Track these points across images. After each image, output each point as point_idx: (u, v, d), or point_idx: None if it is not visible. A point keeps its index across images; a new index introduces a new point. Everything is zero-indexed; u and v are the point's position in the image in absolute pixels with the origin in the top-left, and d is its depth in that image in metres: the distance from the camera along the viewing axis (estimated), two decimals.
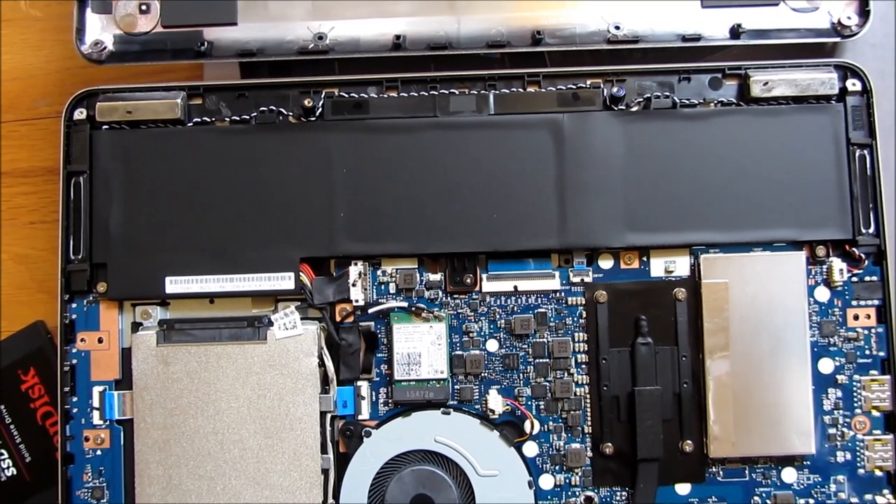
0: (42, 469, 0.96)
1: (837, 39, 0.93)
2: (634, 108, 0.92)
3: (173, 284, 0.90)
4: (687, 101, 0.92)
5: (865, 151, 0.91)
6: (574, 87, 0.92)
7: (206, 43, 0.94)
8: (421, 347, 0.90)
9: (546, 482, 0.90)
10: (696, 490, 0.90)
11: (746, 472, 0.90)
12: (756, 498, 0.90)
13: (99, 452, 0.91)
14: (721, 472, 0.90)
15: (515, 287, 0.91)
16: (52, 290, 0.93)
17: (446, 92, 0.92)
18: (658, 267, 0.91)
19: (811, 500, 0.90)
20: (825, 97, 0.92)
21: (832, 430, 0.90)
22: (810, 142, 0.91)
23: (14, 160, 1.04)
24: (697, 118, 0.91)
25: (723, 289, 0.89)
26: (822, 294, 0.91)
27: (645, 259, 0.91)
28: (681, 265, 0.91)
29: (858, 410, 0.90)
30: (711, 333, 0.89)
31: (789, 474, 0.90)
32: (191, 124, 0.93)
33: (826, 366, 0.90)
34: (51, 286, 0.95)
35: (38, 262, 1.03)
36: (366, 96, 0.93)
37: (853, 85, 0.92)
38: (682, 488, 0.90)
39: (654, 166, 0.90)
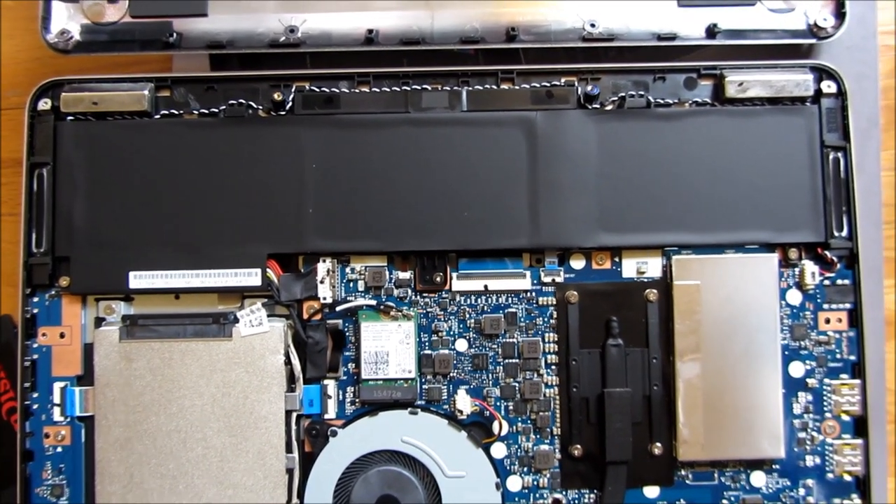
0: (7, 466, 0.94)
1: (813, 41, 0.93)
2: (609, 107, 0.91)
3: (137, 279, 0.88)
4: (662, 101, 0.92)
5: (839, 154, 0.90)
6: (548, 84, 0.91)
7: (175, 34, 0.92)
8: (389, 346, 0.88)
9: (514, 484, 0.89)
10: (665, 493, 0.89)
11: (716, 475, 0.90)
12: (725, 501, 0.90)
13: (59, 449, 0.89)
14: (690, 476, 0.90)
15: (486, 286, 0.90)
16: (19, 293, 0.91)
17: (419, 88, 0.91)
18: (630, 268, 0.91)
19: None
20: (800, 99, 0.91)
21: (802, 434, 0.90)
22: (785, 143, 0.90)
23: None
24: (672, 118, 0.90)
25: (695, 290, 0.89)
26: (794, 297, 0.90)
27: (617, 260, 0.91)
28: (653, 266, 0.90)
29: (828, 414, 0.90)
30: (682, 335, 0.88)
31: (758, 478, 0.89)
32: (158, 117, 0.91)
33: (797, 369, 0.90)
34: (18, 280, 0.93)
35: (4, 254, 1.01)
36: (337, 91, 0.91)
37: (828, 87, 0.91)
38: (651, 491, 0.89)
39: (628, 166, 0.89)
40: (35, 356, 0.90)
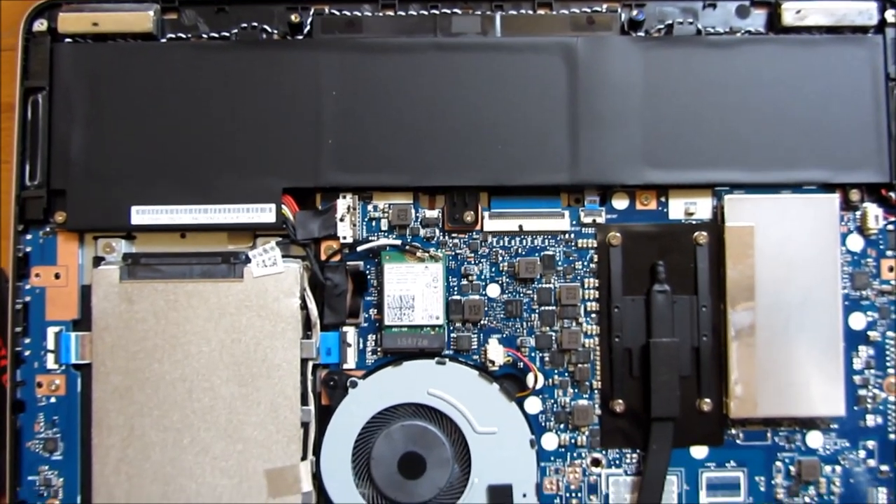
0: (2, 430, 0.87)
1: None
2: (655, 35, 0.84)
3: (140, 215, 0.81)
4: (712, 30, 0.84)
5: None
6: (589, 10, 0.84)
7: None
8: (415, 290, 0.81)
9: (549, 442, 0.82)
10: (714, 454, 0.82)
11: (769, 434, 0.83)
12: (778, 463, 0.82)
13: (53, 400, 0.82)
14: (741, 435, 0.82)
15: (520, 226, 0.83)
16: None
17: (448, 11, 0.84)
18: (677, 208, 0.83)
19: (838, 467, 0.82)
20: (862, 28, 0.84)
21: (862, 392, 0.83)
22: (845, 76, 0.83)
23: None
24: (723, 47, 0.83)
25: (748, 233, 0.81)
26: (856, 242, 0.83)
27: (663, 199, 0.83)
28: (702, 207, 0.83)
29: (892, 371, 0.82)
30: (735, 282, 0.81)
31: (815, 438, 0.82)
32: (164, 40, 0.84)
33: (857, 321, 0.83)
34: (10, 215, 0.85)
35: (4, 204, 0.93)
36: (359, 14, 0.84)
37: (893, 16, 0.84)
38: (699, 451, 0.82)
39: (676, 98, 0.82)
40: (27, 298, 0.83)
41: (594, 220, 0.83)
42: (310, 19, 0.84)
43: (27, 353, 0.82)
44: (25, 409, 0.82)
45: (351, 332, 0.82)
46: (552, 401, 0.82)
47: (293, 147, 0.81)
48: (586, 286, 0.83)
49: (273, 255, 0.81)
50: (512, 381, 0.82)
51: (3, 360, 0.89)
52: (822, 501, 0.82)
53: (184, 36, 0.84)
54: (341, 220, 0.82)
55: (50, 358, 0.82)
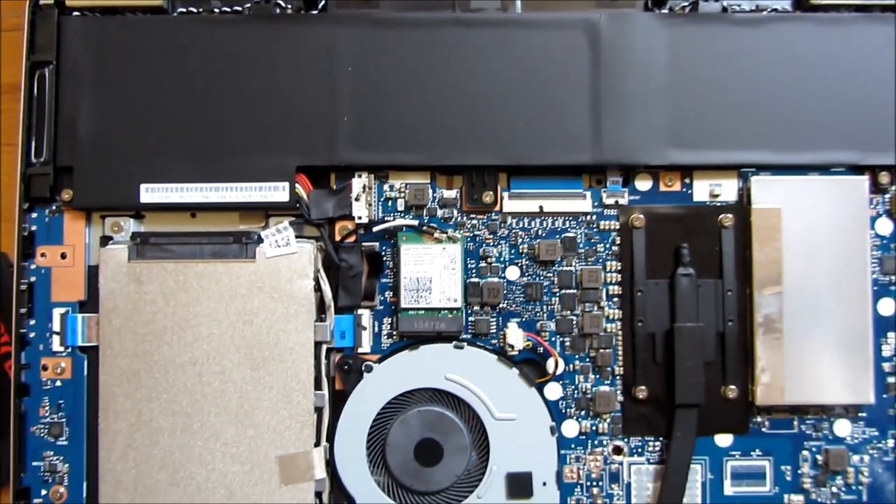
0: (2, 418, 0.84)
1: None
2: (679, 11, 0.82)
3: (149, 193, 0.79)
4: (738, 7, 0.82)
5: None
6: None
7: None
8: (432, 272, 0.79)
9: (570, 429, 0.80)
10: (739, 442, 0.80)
11: (795, 423, 0.80)
12: (805, 452, 0.80)
13: (58, 383, 0.80)
14: (767, 423, 0.80)
15: (541, 207, 0.80)
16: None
17: None
18: (702, 190, 0.81)
19: (866, 457, 0.80)
20: (892, 7, 0.81)
21: (891, 379, 0.80)
22: (874, 55, 0.81)
23: None
24: (749, 25, 0.81)
25: (775, 216, 0.79)
26: (885, 226, 0.81)
27: (688, 181, 0.81)
28: (727, 188, 0.81)
29: None
30: (761, 266, 0.79)
31: (843, 427, 0.80)
32: (175, 14, 0.82)
33: (887, 307, 0.80)
34: (15, 193, 0.83)
35: (4, 188, 0.91)
36: None
37: None
38: (723, 439, 0.80)
39: (701, 76, 0.80)
40: (33, 279, 0.80)
41: (617, 202, 0.81)
42: None
43: (32, 335, 0.80)
44: (30, 393, 0.79)
45: (366, 315, 0.80)
46: (573, 387, 0.80)
47: (307, 124, 0.79)
48: (608, 269, 0.80)
49: (286, 236, 0.78)
50: (532, 366, 0.79)
51: (4, 346, 0.86)
52: (850, 492, 0.80)
53: (195, 10, 0.82)
54: (356, 199, 0.79)
55: (56, 340, 0.79)
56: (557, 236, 0.81)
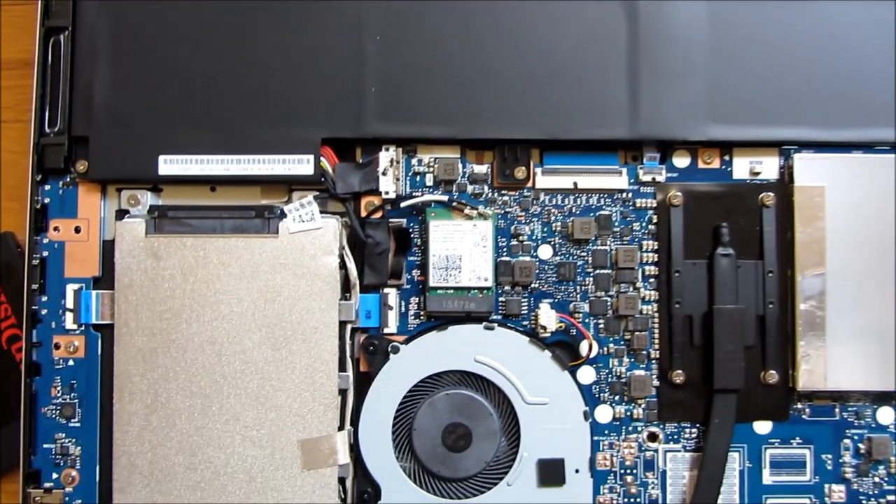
0: (7, 399, 0.80)
1: None
2: None
3: (168, 164, 0.76)
4: None
5: None
6: None
7: None
8: (462, 250, 0.76)
9: (603, 414, 0.77)
10: (778, 429, 0.77)
11: (836, 410, 0.77)
12: (846, 440, 0.77)
13: (71, 363, 0.77)
14: (807, 410, 0.77)
15: (575, 184, 0.77)
16: (24, 199, 0.78)
17: None
18: (742, 167, 0.78)
19: None
20: None
21: None
22: None
23: None
24: None
25: (819, 194, 0.76)
26: None
27: (727, 158, 0.78)
28: (768, 166, 0.78)
29: None
30: (804, 246, 0.76)
31: (886, 414, 0.77)
32: None
33: None
34: (22, 194, 0.80)
35: (9, 166, 0.87)
36: None
37: None
38: (762, 426, 0.77)
39: (742, 48, 0.77)
40: (45, 253, 0.77)
41: (654, 179, 0.78)
42: None
43: (44, 312, 0.77)
44: (41, 373, 0.77)
45: (392, 294, 0.77)
46: (607, 370, 0.77)
47: (333, 95, 0.76)
48: (645, 248, 0.78)
49: (310, 210, 0.75)
50: (564, 348, 0.77)
51: (11, 328, 0.83)
52: (894, 482, 0.77)
53: None
54: (383, 173, 0.76)
55: (69, 317, 0.77)
56: (592, 214, 0.78)
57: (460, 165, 0.77)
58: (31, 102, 0.77)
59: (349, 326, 0.75)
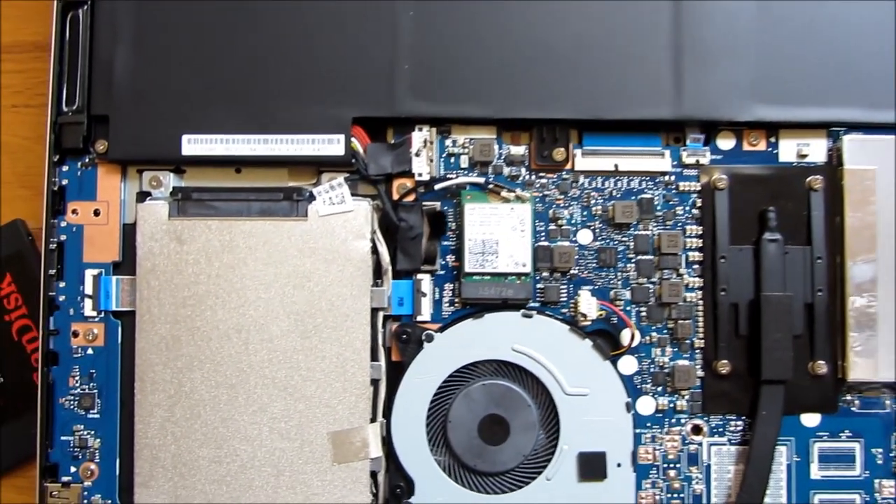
0: (17, 392, 0.78)
1: None
2: None
3: (191, 144, 0.73)
4: None
5: None
6: None
7: None
8: (499, 234, 0.73)
9: (646, 406, 0.74)
10: (827, 422, 0.75)
11: (888, 402, 0.74)
12: None
13: (90, 351, 0.75)
14: (857, 402, 0.75)
15: (616, 166, 0.75)
16: (36, 186, 0.76)
17: None
18: (789, 149, 0.76)
19: None
20: None
21: None
22: None
23: None
24: None
25: (869, 177, 0.74)
26: None
27: (773, 140, 0.76)
28: (816, 148, 0.76)
29: None
30: (854, 231, 0.73)
31: None
32: None
33: None
34: (34, 181, 0.78)
35: (20, 151, 0.85)
36: None
37: None
38: (810, 419, 0.74)
39: (789, 27, 0.75)
40: (63, 237, 0.75)
41: (697, 161, 0.75)
42: None
43: (62, 298, 0.75)
44: (59, 362, 0.74)
45: (426, 280, 0.74)
46: (649, 360, 0.75)
47: (365, 72, 0.74)
48: (688, 233, 0.75)
49: (341, 192, 0.72)
50: (605, 337, 0.75)
51: (22, 319, 0.80)
52: None
53: None
54: (417, 154, 0.74)
55: (87, 304, 0.74)
56: (633, 197, 0.75)
57: (496, 146, 0.75)
58: (49, 79, 0.74)
59: (381, 314, 0.73)
